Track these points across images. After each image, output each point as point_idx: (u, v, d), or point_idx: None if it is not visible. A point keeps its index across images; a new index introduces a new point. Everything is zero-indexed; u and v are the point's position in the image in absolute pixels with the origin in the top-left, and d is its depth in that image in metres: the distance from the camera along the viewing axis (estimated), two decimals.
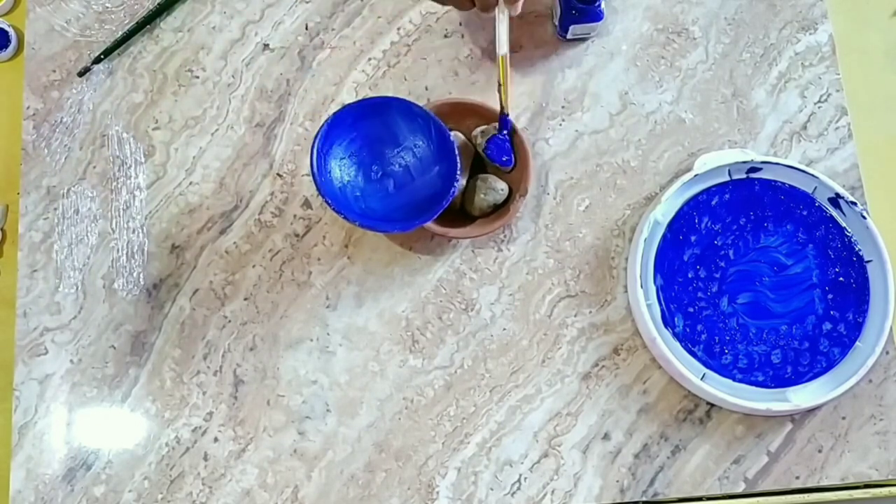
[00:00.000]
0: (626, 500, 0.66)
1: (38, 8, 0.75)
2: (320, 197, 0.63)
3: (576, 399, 0.68)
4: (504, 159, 0.67)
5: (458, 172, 0.64)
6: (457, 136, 0.69)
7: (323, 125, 0.64)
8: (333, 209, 0.63)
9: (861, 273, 0.67)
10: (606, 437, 0.67)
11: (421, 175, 0.66)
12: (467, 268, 0.70)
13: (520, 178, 0.68)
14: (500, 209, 0.68)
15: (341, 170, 0.66)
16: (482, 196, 0.67)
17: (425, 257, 0.70)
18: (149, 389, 0.69)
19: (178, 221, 0.71)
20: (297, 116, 0.73)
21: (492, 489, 0.66)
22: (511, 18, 0.65)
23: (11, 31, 0.76)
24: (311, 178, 0.71)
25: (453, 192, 0.64)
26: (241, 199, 0.72)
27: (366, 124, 0.66)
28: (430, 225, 0.66)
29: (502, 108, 0.66)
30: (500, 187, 0.68)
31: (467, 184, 0.68)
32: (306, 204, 0.71)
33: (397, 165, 0.67)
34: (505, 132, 0.67)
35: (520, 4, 0.63)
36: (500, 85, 0.65)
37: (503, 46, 0.64)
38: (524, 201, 0.67)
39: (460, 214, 0.69)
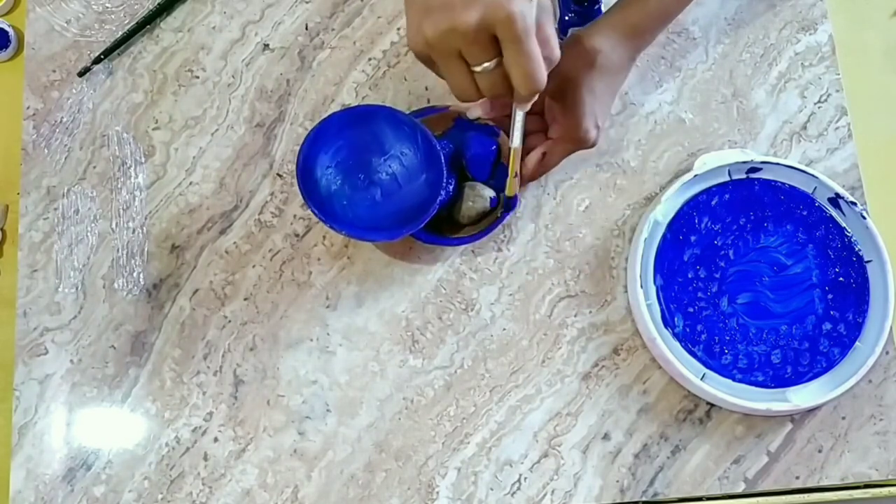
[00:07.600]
0: (626, 500, 0.66)
1: (38, 8, 0.75)
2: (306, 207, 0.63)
3: (576, 399, 0.68)
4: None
5: (445, 181, 0.64)
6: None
7: (308, 134, 0.64)
8: (319, 218, 0.63)
9: (861, 273, 0.67)
10: (606, 437, 0.67)
11: (408, 183, 0.66)
12: (467, 268, 0.70)
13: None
14: (487, 217, 0.68)
15: (327, 179, 0.65)
16: (470, 204, 0.67)
17: (425, 257, 0.70)
18: (149, 389, 0.68)
19: (178, 221, 0.71)
20: (297, 116, 0.73)
21: (492, 489, 0.66)
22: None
23: (11, 31, 0.76)
24: None
25: (441, 201, 0.64)
26: (241, 199, 0.72)
27: (352, 132, 0.65)
28: (419, 236, 0.65)
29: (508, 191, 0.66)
30: (488, 195, 0.67)
31: (455, 191, 0.68)
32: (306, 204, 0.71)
33: (384, 174, 0.66)
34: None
35: (529, 104, 0.59)
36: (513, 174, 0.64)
37: (516, 140, 0.62)
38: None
39: (448, 221, 0.69)
